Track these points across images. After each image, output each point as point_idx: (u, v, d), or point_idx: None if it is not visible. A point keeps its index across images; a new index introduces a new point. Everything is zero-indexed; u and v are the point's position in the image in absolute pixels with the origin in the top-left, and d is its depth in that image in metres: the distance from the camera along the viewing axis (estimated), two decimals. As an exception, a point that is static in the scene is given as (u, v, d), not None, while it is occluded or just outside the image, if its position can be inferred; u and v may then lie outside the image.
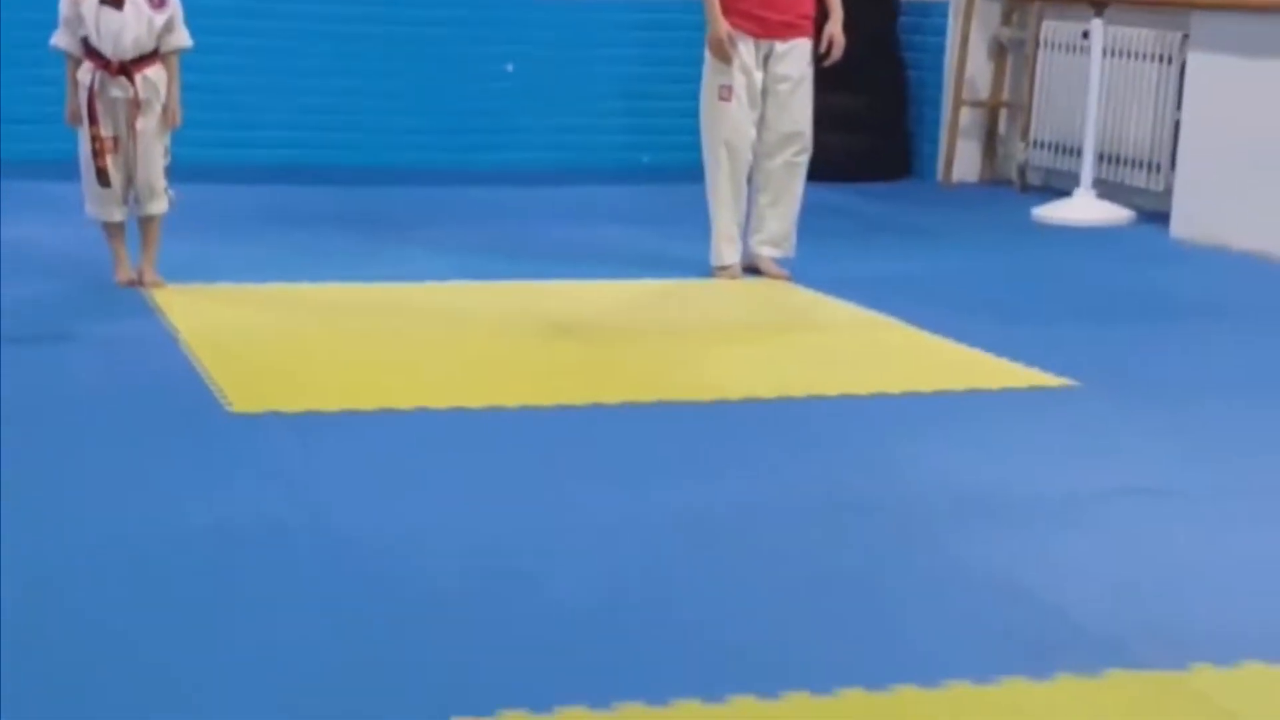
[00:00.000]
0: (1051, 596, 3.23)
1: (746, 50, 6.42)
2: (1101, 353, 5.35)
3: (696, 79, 6.51)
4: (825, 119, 8.75)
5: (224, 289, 5.91)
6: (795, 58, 6.49)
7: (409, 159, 8.99)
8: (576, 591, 3.20)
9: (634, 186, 8.77)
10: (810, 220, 6.77)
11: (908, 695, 2.77)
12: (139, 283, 5.85)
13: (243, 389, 4.51)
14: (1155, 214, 8.00)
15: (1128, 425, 4.54)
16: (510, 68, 9.24)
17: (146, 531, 3.43)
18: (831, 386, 4.83)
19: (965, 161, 9.36)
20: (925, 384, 4.90)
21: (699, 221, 6.54)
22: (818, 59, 6.56)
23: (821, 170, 8.72)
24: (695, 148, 6.56)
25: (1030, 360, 5.11)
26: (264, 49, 8.86)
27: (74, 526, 3.44)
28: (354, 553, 3.35)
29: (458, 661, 2.85)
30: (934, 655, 2.93)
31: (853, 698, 2.74)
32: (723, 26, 6.37)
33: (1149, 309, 6.22)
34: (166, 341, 5.08)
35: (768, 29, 6.43)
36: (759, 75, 6.46)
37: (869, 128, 9.34)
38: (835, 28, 6.54)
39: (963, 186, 9.23)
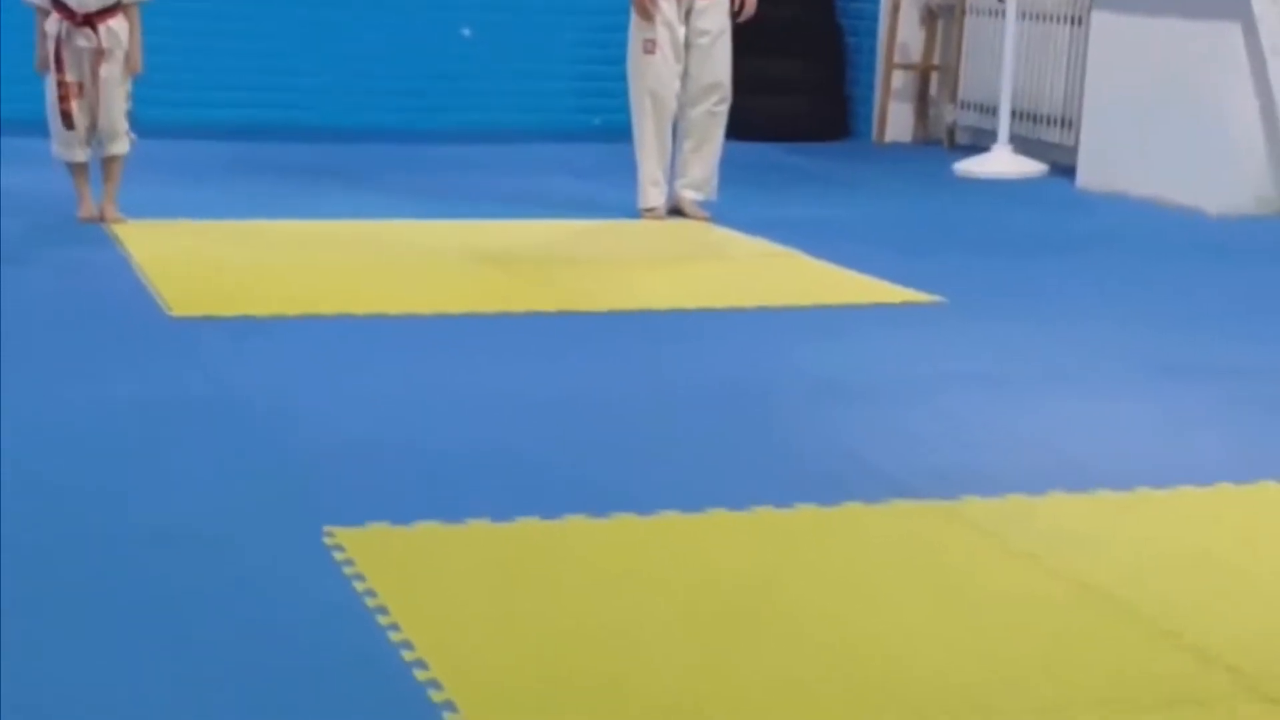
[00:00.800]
0: (863, 451, 3.68)
1: (669, 6, 6.85)
2: (977, 278, 5.80)
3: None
4: (765, 82, 9.29)
5: (179, 224, 6.33)
6: (714, 13, 6.91)
7: (368, 119, 9.45)
8: (446, 442, 3.65)
9: (583, 144, 9.21)
10: (743, 173, 7.19)
11: (719, 516, 3.21)
12: (100, 219, 6.29)
13: (182, 299, 4.95)
14: (1068, 167, 8.44)
15: (979, 331, 4.97)
16: (467, 32, 9.70)
17: (78, 403, 3.87)
18: (721, 301, 5.28)
19: (898, 122, 9.82)
20: (806, 300, 5.34)
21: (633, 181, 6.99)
22: (733, 14, 7.00)
23: (761, 130, 9.24)
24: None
25: (911, 284, 5.55)
26: (229, 11, 9.32)
27: (13, 398, 3.87)
28: (253, 416, 3.79)
29: (334, 487, 3.30)
30: (746, 488, 3.37)
31: (670, 518, 3.19)
32: (646, -15, 6.82)
33: (1033, 245, 6.67)
34: (120, 265, 5.52)
35: (688, -13, 6.88)
36: (681, 30, 6.90)
37: (807, 90, 9.81)
38: (746, -14, 6.99)
39: (895, 146, 9.69)
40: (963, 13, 9.55)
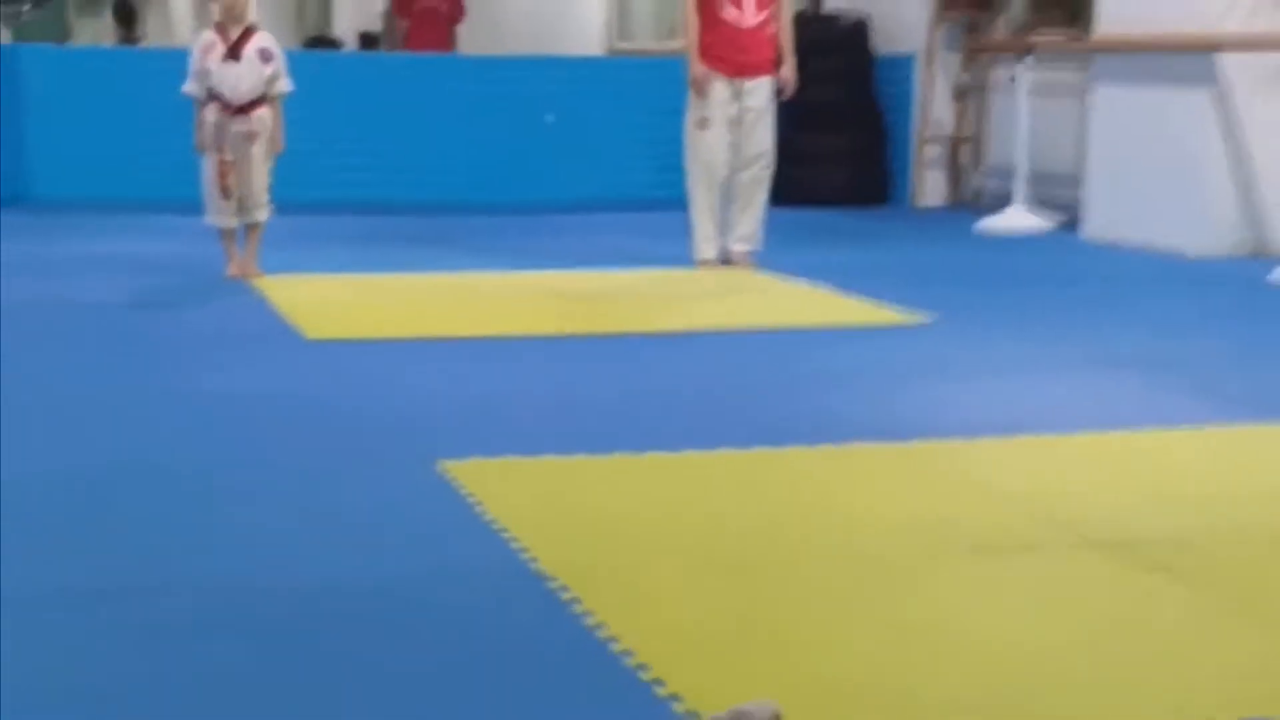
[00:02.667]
0: (841, 411, 4.70)
1: (721, 87, 7.94)
2: (973, 303, 6.82)
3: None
4: (814, 154, 10.40)
5: (308, 278, 7.44)
6: (760, 93, 7.99)
7: (467, 196, 10.62)
8: (522, 409, 4.71)
9: (651, 213, 10.30)
10: (791, 231, 8.22)
11: (725, 454, 4.25)
12: (244, 275, 7.44)
13: (315, 327, 6.05)
14: (1076, 222, 9.45)
15: (962, 339, 5.98)
16: (551, 119, 10.86)
17: (242, 394, 4.96)
18: (753, 322, 6.34)
19: (932, 189, 10.87)
20: (820, 320, 6.40)
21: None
22: (777, 94, 8.07)
23: (810, 196, 10.33)
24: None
25: (915, 308, 6.59)
26: (349, 106, 10.55)
27: (199, 391, 4.97)
28: (368, 399, 4.88)
29: (439, 438, 4.35)
30: (748, 434, 4.40)
31: (692, 455, 4.23)
32: (701, 68, 7.92)
33: (1028, 279, 7.69)
34: (263, 307, 6.63)
35: (737, 69, 7.94)
36: (731, 108, 7.98)
37: (851, 162, 10.88)
38: (788, 71, 8.03)
39: (929, 209, 10.74)
40: (988, 90, 10.61)
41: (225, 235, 7.49)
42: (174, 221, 9.08)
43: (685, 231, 8.19)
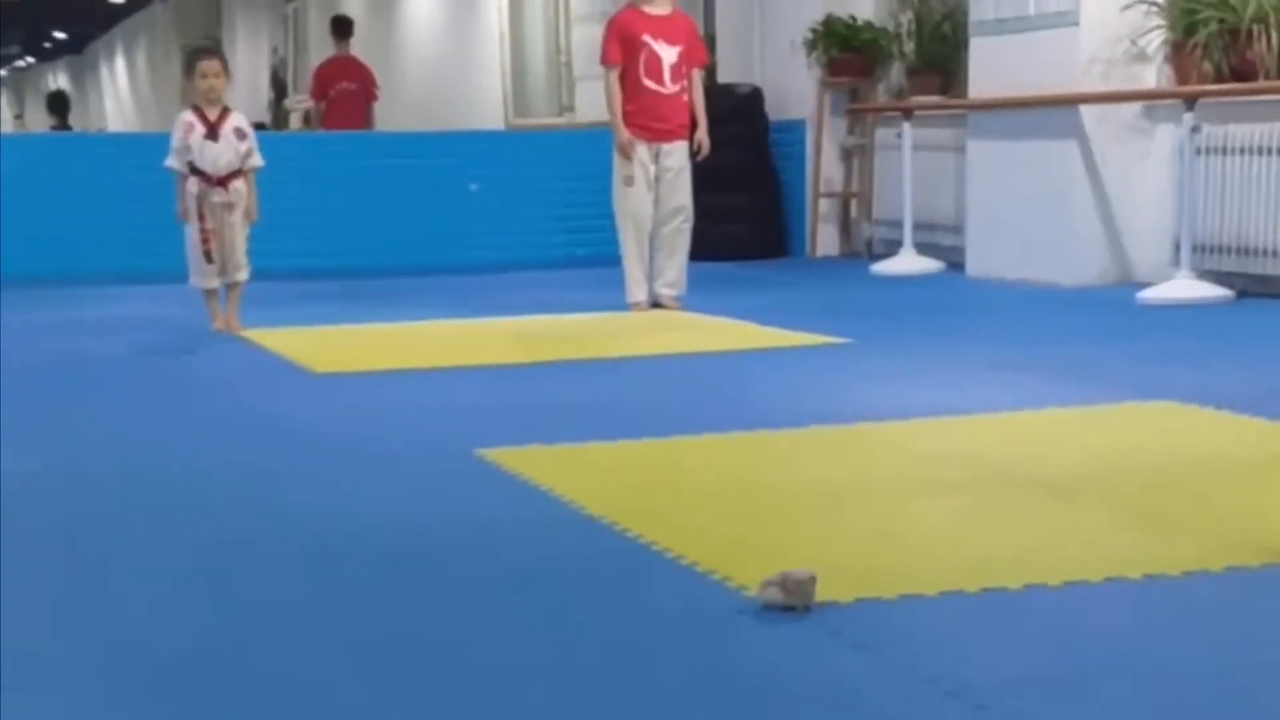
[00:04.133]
0: (775, 407, 5.60)
1: (643, 150, 8.88)
2: (882, 329, 7.78)
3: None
4: (716, 213, 11.32)
5: (291, 330, 8.26)
6: (678, 154, 8.94)
7: (401, 259, 11.47)
8: (518, 413, 5.55)
9: (572, 270, 11.20)
10: (704, 282, 9.15)
11: (688, 439, 5.13)
12: (228, 329, 8.22)
13: (320, 363, 6.87)
14: (960, 263, 10.48)
15: (877, 356, 6.92)
16: (474, 187, 11.75)
17: (285, 416, 5.77)
18: (691, 349, 7.25)
19: (827, 240, 11.89)
20: (753, 345, 7.32)
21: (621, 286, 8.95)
22: (692, 155, 9.02)
23: (714, 252, 11.26)
24: (616, 243, 8.94)
25: (826, 333, 7.54)
26: (296, 182, 11.38)
27: (233, 418, 5.77)
28: (393, 410, 5.70)
29: (467, 433, 5.18)
30: (708, 423, 5.29)
31: (682, 439, 5.10)
32: (625, 134, 8.85)
33: (926, 310, 8.67)
34: (259, 352, 7.44)
35: (657, 135, 8.88)
36: (652, 167, 8.92)
37: (752, 219, 11.86)
38: (702, 134, 8.97)
39: (825, 259, 11.75)
40: (872, 149, 11.65)
41: (209, 295, 8.27)
42: (140, 290, 9.86)
43: (605, 284, 9.05)
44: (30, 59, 52.51)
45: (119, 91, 41.60)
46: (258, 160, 8.22)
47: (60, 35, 45.20)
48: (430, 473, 4.69)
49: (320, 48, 20.04)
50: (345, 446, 5.12)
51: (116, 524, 4.14)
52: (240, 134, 8.18)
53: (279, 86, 26.28)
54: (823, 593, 3.24)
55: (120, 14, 37.61)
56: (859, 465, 4.68)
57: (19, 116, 44.91)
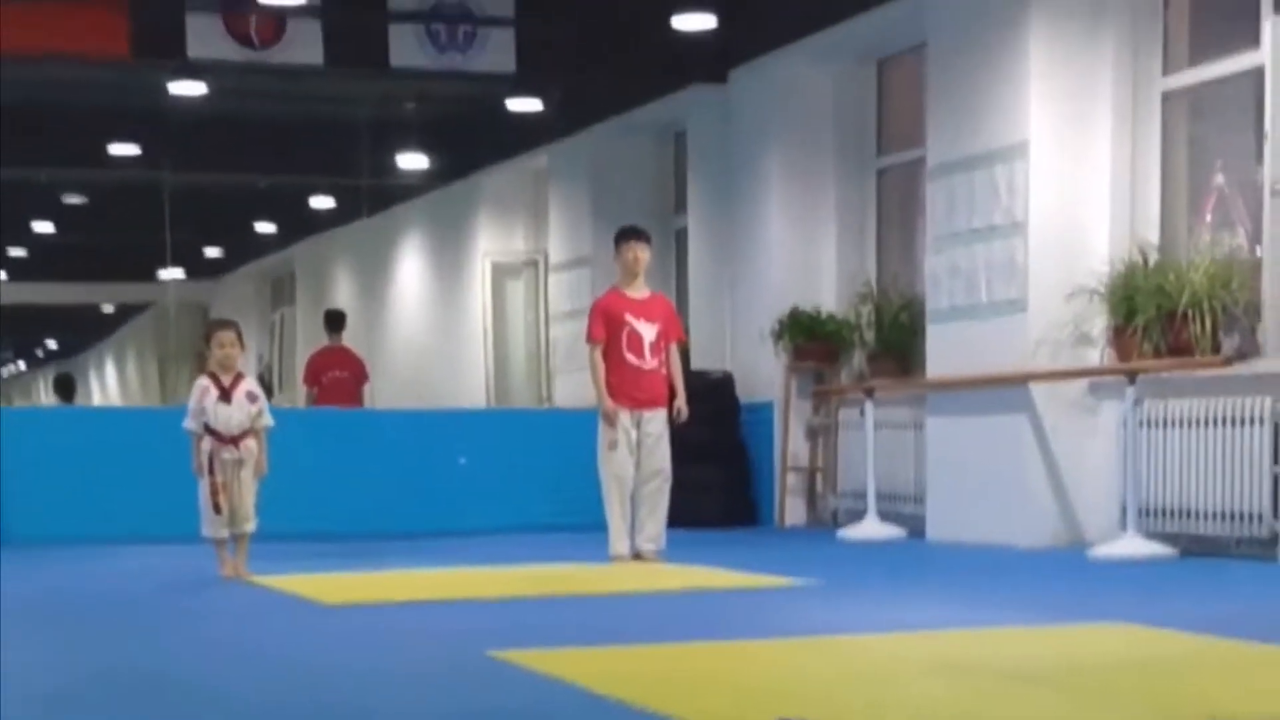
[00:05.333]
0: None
1: (625, 417, 9.41)
2: (847, 574, 8.24)
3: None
4: (689, 486, 11.81)
5: (297, 575, 8.64)
6: (657, 421, 9.46)
7: (396, 525, 11.91)
8: (511, 630, 5.95)
9: (559, 535, 11.63)
10: (681, 545, 9.61)
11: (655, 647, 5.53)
12: (237, 575, 8.60)
13: (330, 597, 7.28)
14: (921, 530, 10.96)
15: (843, 592, 7.36)
16: (463, 461, 12.26)
17: (312, 635, 6.15)
18: (675, 586, 7.68)
19: (794, 511, 12.40)
20: (722, 585, 7.76)
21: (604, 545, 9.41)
22: (671, 420, 9.55)
23: (688, 521, 11.70)
24: (598, 511, 9.41)
25: (794, 576, 7.98)
26: (299, 451, 11.84)
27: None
28: (407, 638, 6.09)
29: (470, 644, 5.57)
30: (653, 636, 5.69)
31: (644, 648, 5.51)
32: (610, 403, 9.39)
33: (887, 567, 9.13)
34: (270, 592, 7.82)
35: (638, 404, 9.43)
36: (634, 432, 9.44)
37: (723, 491, 12.38)
38: (680, 401, 9.51)
39: (793, 528, 12.22)
40: (836, 428, 12.24)
41: (219, 544, 8.67)
42: (145, 549, 10.24)
43: (589, 545, 9.48)
44: (22, 364, 53.46)
45: (108, 397, 42.52)
46: (267, 420, 8.71)
47: (52, 345, 46.32)
48: (453, 671, 5.10)
49: (308, 346, 20.75)
50: (371, 665, 5.51)
51: None
52: (251, 397, 8.70)
53: (266, 391, 26.93)
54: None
55: (111, 325, 38.66)
56: (836, 662, 5.09)
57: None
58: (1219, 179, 9.87)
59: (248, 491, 8.65)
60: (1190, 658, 5.19)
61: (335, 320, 16.25)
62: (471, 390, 18.20)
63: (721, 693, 4.51)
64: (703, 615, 6.59)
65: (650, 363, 9.46)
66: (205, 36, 12.10)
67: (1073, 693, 4.48)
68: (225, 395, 8.65)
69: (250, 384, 8.78)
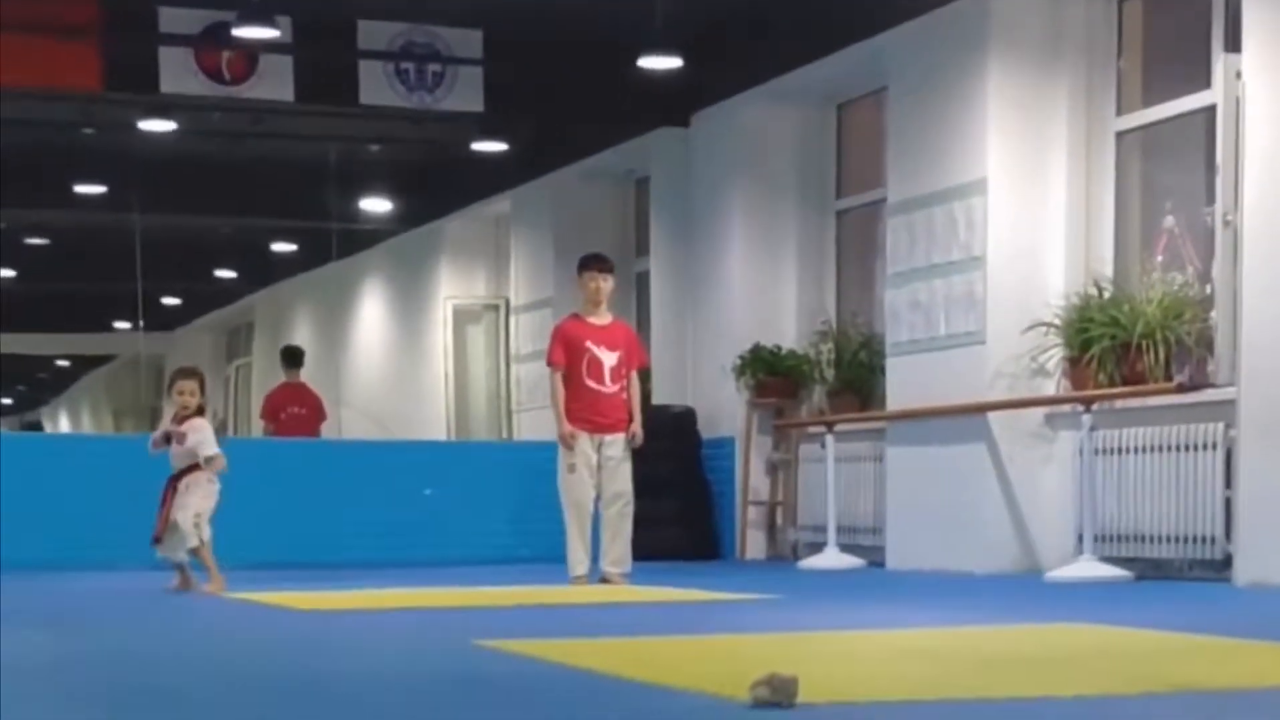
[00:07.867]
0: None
1: (585, 441, 9.45)
2: (809, 591, 8.32)
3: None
4: (653, 519, 11.86)
5: (271, 591, 8.64)
6: (618, 445, 9.50)
7: (361, 555, 11.90)
8: (508, 622, 5.99)
9: (521, 565, 11.64)
10: (644, 574, 9.71)
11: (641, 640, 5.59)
12: (186, 588, 8.70)
13: (306, 604, 7.32)
14: (880, 560, 11.04)
15: (807, 603, 7.44)
16: (429, 492, 12.28)
17: (301, 630, 6.18)
18: (637, 598, 7.74)
19: (754, 544, 12.47)
20: (690, 599, 7.82)
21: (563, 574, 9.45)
22: (631, 445, 9.59)
23: (650, 553, 11.75)
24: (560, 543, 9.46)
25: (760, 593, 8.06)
26: (263, 484, 11.87)
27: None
28: (388, 630, 6.11)
29: (451, 632, 5.61)
30: (631, 631, 5.75)
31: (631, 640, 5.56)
32: (567, 427, 9.44)
33: (847, 591, 9.19)
34: (247, 604, 7.85)
35: (599, 428, 9.47)
36: (595, 456, 9.48)
37: (685, 524, 12.44)
38: (636, 426, 9.54)
39: (754, 560, 12.28)
40: (796, 462, 12.33)
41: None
42: (107, 575, 10.23)
43: (553, 574, 9.54)
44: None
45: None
46: (206, 450, 8.85)
47: (6, 401, 46.00)
48: (437, 655, 5.16)
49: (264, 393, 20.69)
50: (363, 649, 5.54)
51: None
52: (194, 429, 8.84)
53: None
54: (801, 696, 3.70)
55: (67, 379, 38.42)
56: (812, 649, 5.16)
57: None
58: (1169, 220, 10.05)
59: (185, 516, 8.76)
60: (1153, 646, 5.29)
61: (293, 356, 16.25)
62: (433, 434, 18.21)
63: (700, 667, 4.57)
64: (675, 618, 6.67)
65: (611, 388, 9.52)
66: (177, 72, 12.13)
67: (1046, 671, 4.56)
68: (176, 438, 8.85)
69: (195, 423, 8.91)
